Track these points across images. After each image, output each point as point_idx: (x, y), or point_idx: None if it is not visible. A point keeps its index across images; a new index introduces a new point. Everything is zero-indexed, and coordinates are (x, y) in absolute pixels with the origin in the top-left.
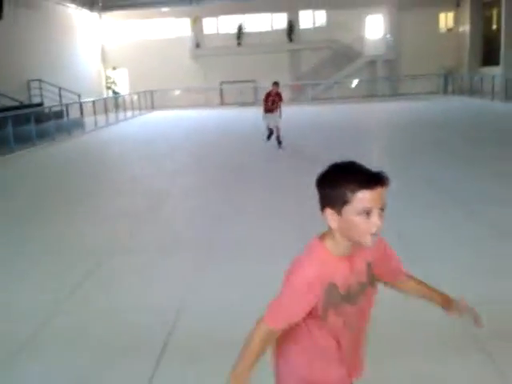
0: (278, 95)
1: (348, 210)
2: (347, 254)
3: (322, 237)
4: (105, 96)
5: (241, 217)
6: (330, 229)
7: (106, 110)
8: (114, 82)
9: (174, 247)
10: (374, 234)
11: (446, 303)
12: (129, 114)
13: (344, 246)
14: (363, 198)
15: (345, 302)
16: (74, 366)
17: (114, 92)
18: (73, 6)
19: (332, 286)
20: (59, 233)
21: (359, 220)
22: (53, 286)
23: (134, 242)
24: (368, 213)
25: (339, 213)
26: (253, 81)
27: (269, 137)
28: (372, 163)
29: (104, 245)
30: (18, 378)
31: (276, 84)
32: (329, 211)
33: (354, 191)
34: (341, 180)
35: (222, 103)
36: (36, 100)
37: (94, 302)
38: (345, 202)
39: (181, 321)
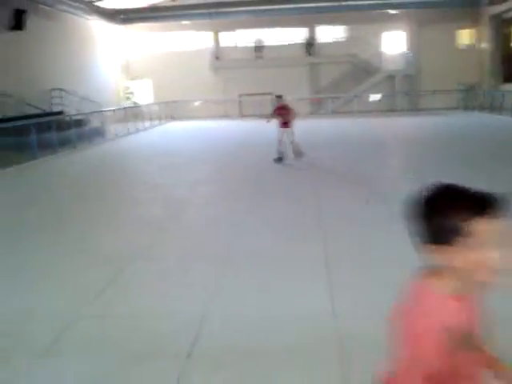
0: (285, 108)
1: (464, 244)
2: (463, 292)
3: (430, 276)
4: (125, 106)
5: (260, 227)
6: (439, 266)
7: (126, 120)
8: (131, 93)
9: (194, 255)
10: (498, 270)
11: (494, 365)
12: (149, 123)
13: (459, 284)
14: (483, 227)
15: (469, 347)
16: (96, 373)
17: (132, 102)
18: (94, 18)
19: (452, 331)
20: (81, 239)
21: (480, 255)
22: (75, 292)
23: (155, 250)
24: (489, 245)
25: (452, 249)
26: (272, 94)
27: (278, 159)
28: (392, 178)
29: (125, 252)
30: (41, 382)
31: (279, 97)
32: (438, 248)
33: (470, 221)
34: (451, 208)
35: (241, 115)
36: (58, 109)
37: (116, 309)
38: (459, 235)
39: (203, 329)
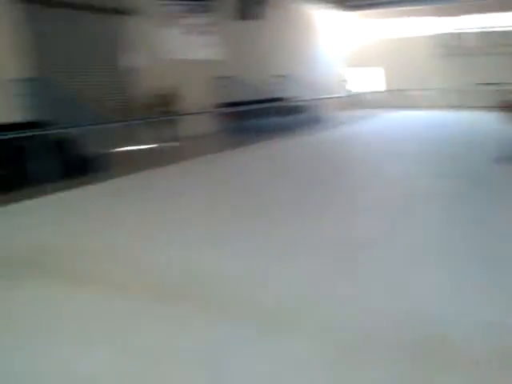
0: None
1: None
2: None
3: None
4: (344, 94)
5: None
6: None
7: (348, 108)
8: (345, 80)
9: (420, 250)
10: None
11: None
12: (372, 112)
13: None
14: None
15: None
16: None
17: (346, 90)
18: (318, 5)
19: None
20: (295, 225)
21: None
22: (312, 272)
23: (377, 240)
24: None
25: None
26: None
27: (505, 159)
28: None
29: (345, 239)
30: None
31: None
32: None
33: None
34: None
35: (470, 106)
36: (278, 95)
37: (342, 294)
38: None
39: (426, 327)
